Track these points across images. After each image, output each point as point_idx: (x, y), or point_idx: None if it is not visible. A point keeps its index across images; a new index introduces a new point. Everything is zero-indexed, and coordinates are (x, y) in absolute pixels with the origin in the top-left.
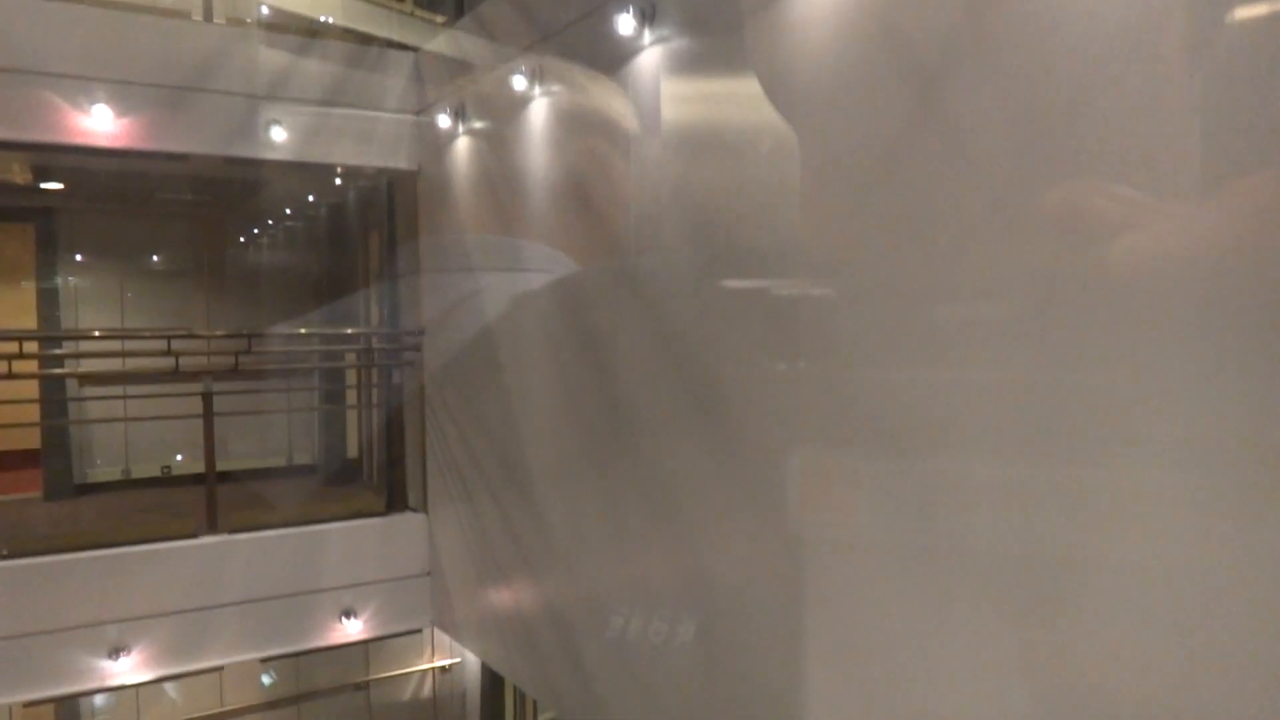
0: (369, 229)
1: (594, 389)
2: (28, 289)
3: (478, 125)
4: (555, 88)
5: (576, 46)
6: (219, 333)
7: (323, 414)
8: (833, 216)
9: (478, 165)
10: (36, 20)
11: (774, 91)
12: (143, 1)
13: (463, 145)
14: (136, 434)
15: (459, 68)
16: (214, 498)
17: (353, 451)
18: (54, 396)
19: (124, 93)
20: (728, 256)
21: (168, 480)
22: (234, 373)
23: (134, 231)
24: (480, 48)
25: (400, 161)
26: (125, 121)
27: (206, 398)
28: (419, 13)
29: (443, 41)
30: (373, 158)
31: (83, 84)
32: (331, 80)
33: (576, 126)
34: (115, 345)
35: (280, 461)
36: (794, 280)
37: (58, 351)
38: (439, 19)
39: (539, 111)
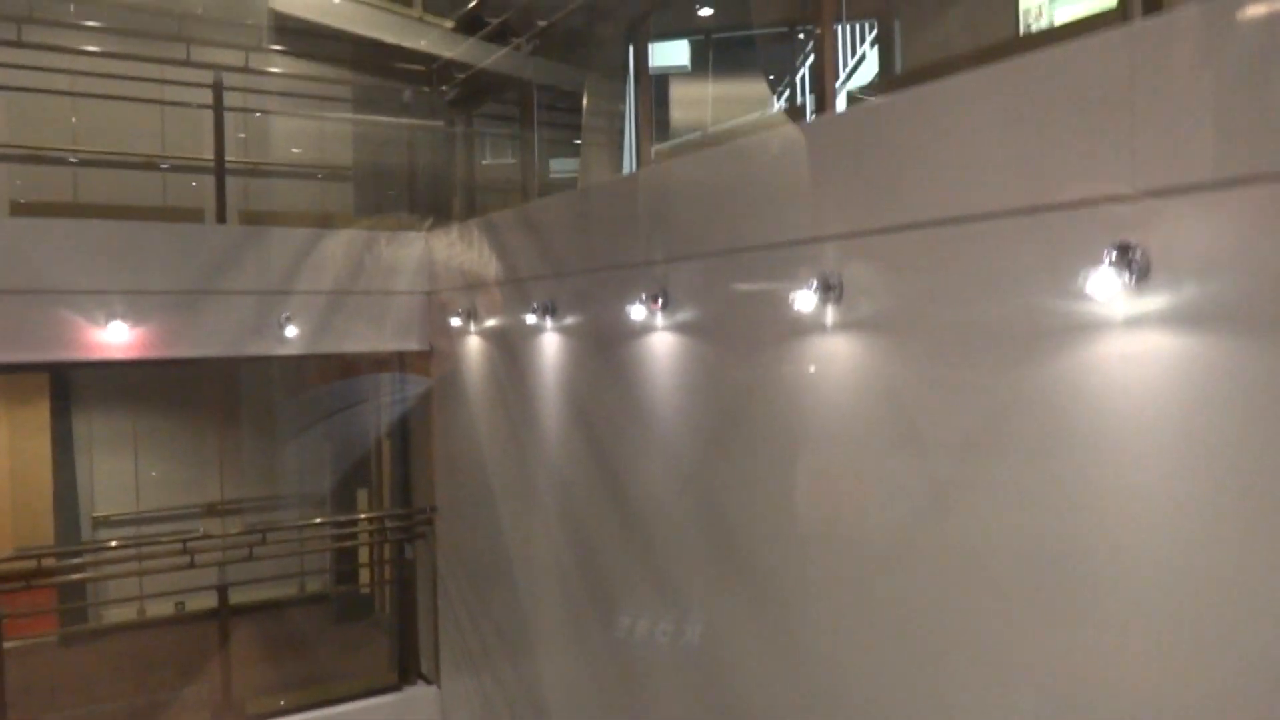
0: (381, 396)
1: (595, 598)
2: (44, 432)
3: (490, 325)
4: (568, 320)
5: (591, 295)
6: (234, 531)
7: (337, 571)
8: (837, 596)
9: (488, 368)
10: (52, 239)
11: (790, 436)
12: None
13: (474, 343)
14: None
15: (471, 268)
16: (230, 686)
17: (365, 591)
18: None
19: (138, 303)
20: (728, 556)
21: (182, 619)
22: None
23: (147, 378)
24: (493, 262)
25: (412, 343)
26: (140, 332)
27: (222, 591)
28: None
29: (455, 233)
30: (386, 342)
31: (98, 298)
32: (343, 268)
33: (589, 365)
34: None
35: (294, 591)
36: (779, 595)
37: (75, 560)
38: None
39: (551, 343)
